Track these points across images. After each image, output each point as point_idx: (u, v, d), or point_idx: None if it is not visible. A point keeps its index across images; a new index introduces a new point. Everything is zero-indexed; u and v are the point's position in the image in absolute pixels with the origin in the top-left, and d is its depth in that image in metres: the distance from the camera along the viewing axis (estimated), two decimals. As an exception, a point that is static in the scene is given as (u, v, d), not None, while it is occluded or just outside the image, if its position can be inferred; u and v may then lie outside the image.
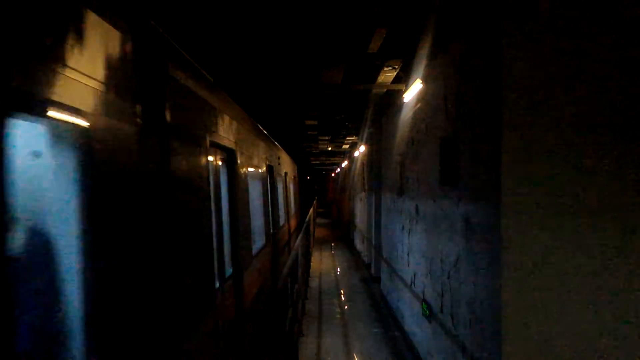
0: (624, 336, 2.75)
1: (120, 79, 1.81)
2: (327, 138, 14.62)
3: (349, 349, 5.89)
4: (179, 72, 2.48)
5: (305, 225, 8.42)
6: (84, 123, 1.50)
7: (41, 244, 1.41)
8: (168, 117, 2.25)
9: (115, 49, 1.78)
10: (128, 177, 1.82)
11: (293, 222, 10.69)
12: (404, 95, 5.68)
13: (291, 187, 9.43)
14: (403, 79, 6.03)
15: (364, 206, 11.57)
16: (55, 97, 1.33)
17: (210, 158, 2.93)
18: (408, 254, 5.90)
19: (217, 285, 3.12)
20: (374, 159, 9.71)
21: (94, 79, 1.58)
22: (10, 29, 1.17)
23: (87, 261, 1.48)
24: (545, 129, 2.75)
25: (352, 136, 13.67)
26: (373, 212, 9.68)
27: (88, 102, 1.53)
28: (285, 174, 9.63)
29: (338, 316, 7.41)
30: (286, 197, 9.40)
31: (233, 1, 4.18)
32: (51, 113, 1.35)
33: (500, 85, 2.77)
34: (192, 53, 3.01)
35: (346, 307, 8.06)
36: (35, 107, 1.28)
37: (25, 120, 1.29)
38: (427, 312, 4.66)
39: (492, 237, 2.92)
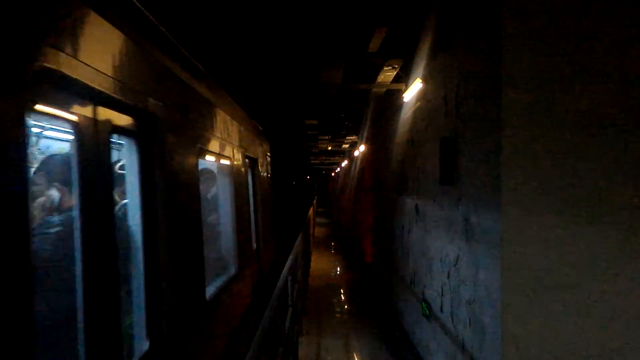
0: (625, 336, 2.75)
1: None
2: (327, 138, 14.64)
3: (348, 348, 5.90)
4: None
5: (305, 225, 8.42)
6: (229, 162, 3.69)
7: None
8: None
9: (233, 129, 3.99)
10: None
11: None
12: (404, 95, 5.68)
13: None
14: (403, 78, 6.03)
15: (364, 205, 11.58)
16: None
17: (245, 167, 4.34)
18: (408, 253, 5.90)
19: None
20: (373, 159, 9.72)
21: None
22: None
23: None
24: (545, 128, 2.75)
25: (352, 136, 13.69)
26: (373, 211, 9.69)
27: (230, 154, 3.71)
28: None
29: (338, 315, 7.42)
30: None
31: (235, 0, 4.18)
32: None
33: (500, 85, 2.77)
34: (194, 50, 3.05)
35: (346, 306, 8.07)
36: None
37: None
38: (427, 311, 4.66)
39: (492, 237, 2.92)
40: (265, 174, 6.51)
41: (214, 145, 3.35)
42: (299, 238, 5.03)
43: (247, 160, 4.82)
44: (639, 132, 2.74)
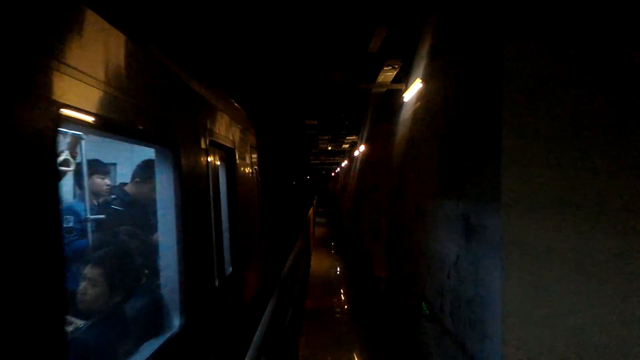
0: (625, 337, 2.75)
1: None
2: (327, 138, 14.66)
3: (349, 347, 5.90)
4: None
5: (304, 225, 8.41)
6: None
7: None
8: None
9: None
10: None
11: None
12: (404, 95, 5.69)
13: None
14: (403, 78, 6.03)
15: (364, 205, 11.58)
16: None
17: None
18: (408, 253, 5.91)
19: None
20: (373, 159, 9.73)
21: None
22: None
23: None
24: (545, 128, 2.75)
25: (352, 136, 13.70)
26: (373, 211, 9.70)
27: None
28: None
29: (338, 315, 7.42)
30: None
31: (236, 1, 4.19)
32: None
33: (500, 85, 2.77)
34: (196, 54, 3.05)
35: (346, 306, 8.07)
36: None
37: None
38: (427, 311, 4.67)
39: (492, 237, 2.92)
40: (249, 170, 4.93)
41: (124, 114, 1.84)
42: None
43: (214, 149, 3.42)
44: (639, 132, 2.74)
